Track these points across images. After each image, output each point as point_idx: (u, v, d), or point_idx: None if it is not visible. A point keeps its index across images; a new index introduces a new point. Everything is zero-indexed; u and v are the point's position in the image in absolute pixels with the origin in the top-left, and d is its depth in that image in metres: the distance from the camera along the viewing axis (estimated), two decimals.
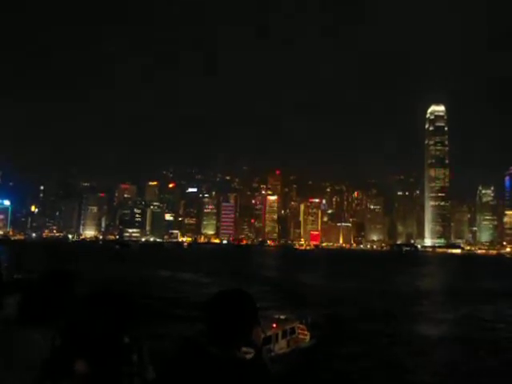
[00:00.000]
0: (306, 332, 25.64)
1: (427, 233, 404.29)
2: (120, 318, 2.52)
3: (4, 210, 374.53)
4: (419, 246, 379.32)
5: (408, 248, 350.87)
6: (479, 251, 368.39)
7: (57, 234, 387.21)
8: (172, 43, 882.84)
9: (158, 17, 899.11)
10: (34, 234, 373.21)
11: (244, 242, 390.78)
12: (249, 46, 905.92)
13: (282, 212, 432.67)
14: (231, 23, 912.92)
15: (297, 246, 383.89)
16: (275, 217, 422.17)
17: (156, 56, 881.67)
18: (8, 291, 3.30)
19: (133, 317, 2.58)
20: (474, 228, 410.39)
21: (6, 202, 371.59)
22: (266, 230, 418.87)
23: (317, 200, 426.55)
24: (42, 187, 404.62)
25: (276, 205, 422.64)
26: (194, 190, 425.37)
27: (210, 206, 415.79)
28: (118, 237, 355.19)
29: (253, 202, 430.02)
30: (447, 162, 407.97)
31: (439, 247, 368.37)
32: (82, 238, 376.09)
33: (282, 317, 27.27)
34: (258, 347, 2.31)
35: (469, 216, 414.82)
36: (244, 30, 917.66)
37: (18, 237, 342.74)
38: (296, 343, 24.36)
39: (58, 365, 2.40)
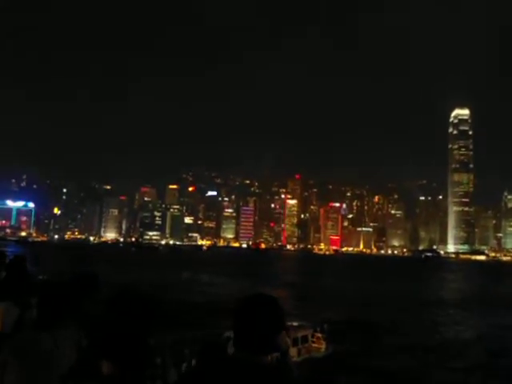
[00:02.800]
0: (321, 341, 24.55)
1: (450, 239, 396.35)
2: (144, 320, 2.53)
3: (28, 212, 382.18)
4: (442, 252, 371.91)
5: (430, 254, 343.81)
6: (504, 258, 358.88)
7: (79, 236, 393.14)
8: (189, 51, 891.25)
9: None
10: (56, 236, 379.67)
11: (263, 246, 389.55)
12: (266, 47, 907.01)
13: (302, 216, 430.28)
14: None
15: (316, 251, 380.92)
16: (295, 221, 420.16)
17: (175, 58, 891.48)
18: (35, 292, 3.37)
19: (157, 319, 2.59)
20: (500, 234, 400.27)
21: (30, 205, 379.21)
22: (286, 234, 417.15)
23: (337, 204, 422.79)
24: (64, 190, 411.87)
25: (296, 209, 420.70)
26: (214, 193, 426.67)
27: (229, 210, 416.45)
28: (133, 239, 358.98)
29: (272, 205, 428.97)
30: (471, 166, 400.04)
31: (463, 253, 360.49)
32: (103, 240, 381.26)
33: (295, 323, 26.02)
34: (284, 352, 2.32)
35: (494, 222, 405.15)
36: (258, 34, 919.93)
37: (41, 238, 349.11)
38: (308, 352, 23.18)
39: (84, 366, 2.43)
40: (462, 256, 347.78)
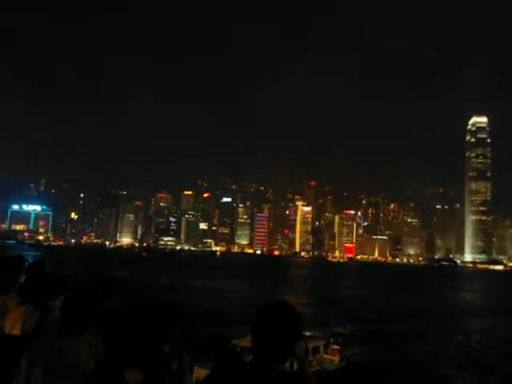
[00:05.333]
0: (336, 353, 24.06)
1: (467, 248, 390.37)
2: (161, 326, 2.53)
3: (45, 217, 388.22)
4: (459, 262, 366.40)
5: (446, 263, 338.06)
6: None
7: (95, 241, 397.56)
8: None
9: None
10: (73, 240, 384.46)
11: (277, 253, 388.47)
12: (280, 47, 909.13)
13: (317, 223, 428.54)
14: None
15: (330, 258, 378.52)
16: (309, 228, 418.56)
17: (190, 62, 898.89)
18: (56, 294, 3.41)
19: (174, 325, 2.60)
20: None
21: (48, 209, 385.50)
22: (300, 241, 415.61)
23: (352, 212, 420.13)
24: (81, 195, 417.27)
25: (310, 216, 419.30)
26: (229, 199, 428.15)
27: (244, 216, 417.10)
28: (145, 244, 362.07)
29: (287, 212, 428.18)
30: (489, 174, 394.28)
31: (480, 263, 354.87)
32: (118, 245, 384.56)
33: (307, 334, 25.92)
34: (301, 360, 2.32)
35: None
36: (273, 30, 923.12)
37: (58, 242, 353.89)
38: (320, 364, 22.79)
39: (102, 373, 2.43)
40: (479, 265, 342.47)
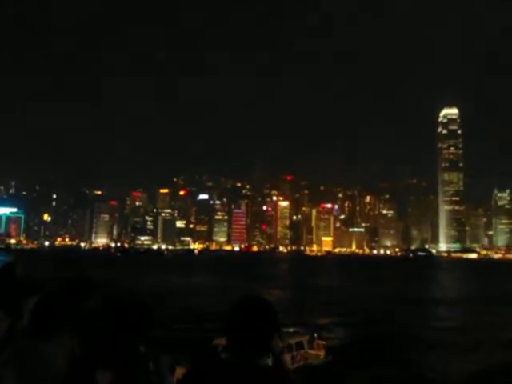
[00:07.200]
0: (321, 348, 23.55)
1: (442, 237, 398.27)
2: (136, 326, 2.50)
3: (17, 219, 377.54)
4: (434, 251, 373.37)
5: (422, 253, 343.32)
6: (496, 256, 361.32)
7: (69, 243, 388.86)
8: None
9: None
10: (46, 243, 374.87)
11: (255, 249, 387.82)
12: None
13: (294, 218, 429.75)
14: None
15: (307, 252, 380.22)
16: (287, 223, 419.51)
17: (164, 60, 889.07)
18: (27, 298, 3.34)
19: (149, 325, 2.57)
20: (490, 232, 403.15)
21: (20, 211, 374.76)
22: (278, 236, 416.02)
23: (329, 205, 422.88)
24: (54, 196, 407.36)
25: (287, 211, 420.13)
26: (205, 196, 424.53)
27: (221, 213, 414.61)
28: (119, 244, 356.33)
29: (264, 208, 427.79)
30: (461, 165, 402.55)
31: (454, 252, 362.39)
32: (94, 246, 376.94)
33: (291, 329, 25.15)
34: (277, 355, 2.30)
35: (484, 220, 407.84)
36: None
37: (30, 245, 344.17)
38: (305, 359, 22.03)
39: (78, 375, 2.39)
40: (453, 254, 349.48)
